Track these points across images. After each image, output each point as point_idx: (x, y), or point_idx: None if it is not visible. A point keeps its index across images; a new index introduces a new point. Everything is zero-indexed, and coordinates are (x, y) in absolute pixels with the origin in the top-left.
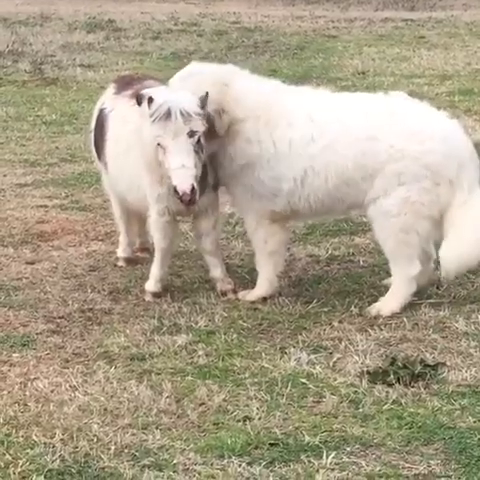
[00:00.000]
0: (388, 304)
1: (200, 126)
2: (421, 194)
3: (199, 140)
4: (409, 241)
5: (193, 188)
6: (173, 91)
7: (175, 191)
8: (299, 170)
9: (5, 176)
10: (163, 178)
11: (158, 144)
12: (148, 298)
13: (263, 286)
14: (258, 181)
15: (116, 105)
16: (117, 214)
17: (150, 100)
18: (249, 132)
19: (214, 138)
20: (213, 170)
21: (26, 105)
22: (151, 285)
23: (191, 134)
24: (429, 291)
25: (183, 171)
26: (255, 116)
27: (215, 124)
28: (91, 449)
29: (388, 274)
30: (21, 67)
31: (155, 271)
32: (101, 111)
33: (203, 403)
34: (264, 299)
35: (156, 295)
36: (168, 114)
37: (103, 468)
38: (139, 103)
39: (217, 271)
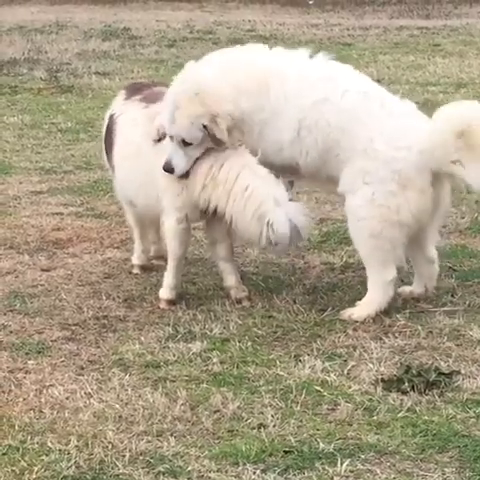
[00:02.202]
0: (362, 309)
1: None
2: (387, 197)
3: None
4: (381, 246)
5: None
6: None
7: None
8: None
9: (21, 183)
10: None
11: None
12: (163, 306)
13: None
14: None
15: (126, 110)
16: (131, 221)
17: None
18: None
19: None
20: None
21: (42, 113)
22: (165, 293)
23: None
24: (443, 299)
25: None
26: (244, 95)
27: (217, 135)
28: (106, 456)
29: (403, 282)
30: (37, 75)
31: (169, 278)
32: (111, 117)
33: (218, 410)
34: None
35: (170, 302)
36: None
37: (118, 475)
38: None
39: (231, 278)
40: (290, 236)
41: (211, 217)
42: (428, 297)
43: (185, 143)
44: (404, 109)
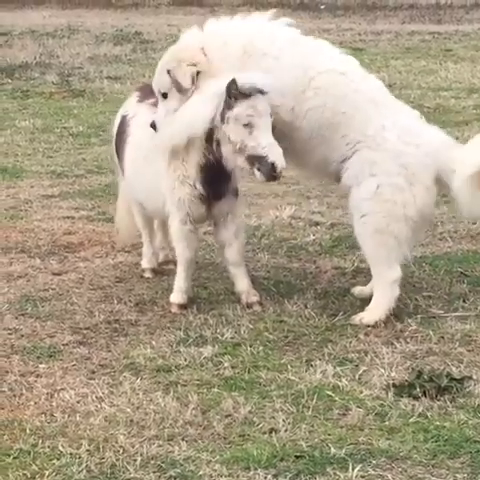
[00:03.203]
0: (372, 312)
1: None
2: (394, 192)
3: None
4: (386, 243)
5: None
6: (253, 73)
7: (272, 167)
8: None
9: (32, 187)
10: (185, 179)
11: (244, 124)
12: (174, 310)
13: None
14: None
15: (139, 112)
16: (140, 224)
17: (233, 82)
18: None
19: None
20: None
21: (53, 117)
22: (177, 297)
23: (271, 114)
24: (455, 304)
25: (277, 147)
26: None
27: (178, 79)
28: (117, 460)
29: (415, 287)
30: (48, 79)
31: (180, 283)
32: (123, 117)
33: (229, 415)
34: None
35: (182, 307)
36: (256, 94)
37: (129, 479)
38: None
39: (242, 283)
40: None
41: (217, 219)
42: (440, 302)
43: (163, 95)
44: (409, 110)
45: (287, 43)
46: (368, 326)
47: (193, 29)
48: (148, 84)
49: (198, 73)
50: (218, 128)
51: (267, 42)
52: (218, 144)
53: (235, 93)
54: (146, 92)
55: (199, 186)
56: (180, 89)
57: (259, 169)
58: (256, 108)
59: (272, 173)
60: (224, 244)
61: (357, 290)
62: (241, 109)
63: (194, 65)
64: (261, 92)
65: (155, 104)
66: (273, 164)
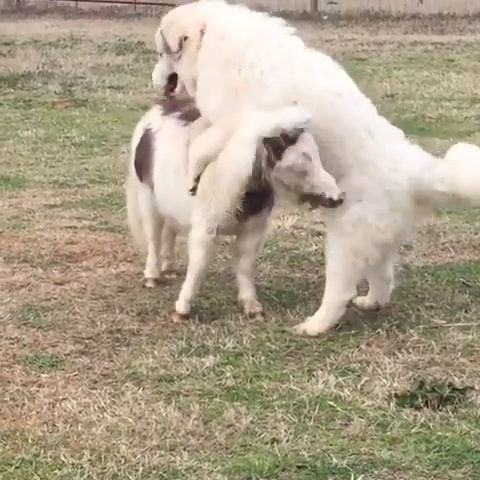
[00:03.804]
0: (315, 325)
1: None
2: (377, 217)
3: None
4: (356, 265)
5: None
6: (289, 111)
7: (330, 201)
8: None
9: (34, 197)
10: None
11: (298, 172)
12: (176, 319)
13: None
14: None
15: (164, 125)
16: (149, 234)
17: (277, 131)
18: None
19: None
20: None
21: (56, 126)
22: (181, 306)
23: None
24: (457, 314)
25: (330, 181)
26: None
27: (167, 40)
28: (119, 470)
29: (417, 297)
30: (51, 89)
31: (187, 291)
32: (147, 131)
33: (231, 425)
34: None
35: (184, 317)
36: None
37: None
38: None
39: (248, 292)
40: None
41: (246, 230)
42: (442, 313)
43: (160, 54)
44: (395, 132)
45: (283, 59)
46: (310, 336)
47: (208, 4)
48: (167, 99)
49: (186, 38)
50: (265, 171)
51: (262, 54)
52: (265, 180)
53: (281, 143)
54: (168, 105)
55: (239, 205)
56: (168, 51)
57: (314, 202)
58: (306, 154)
59: (330, 206)
60: (242, 253)
61: (359, 300)
62: (291, 159)
63: (185, 32)
64: (305, 131)
65: (181, 117)
66: (330, 199)
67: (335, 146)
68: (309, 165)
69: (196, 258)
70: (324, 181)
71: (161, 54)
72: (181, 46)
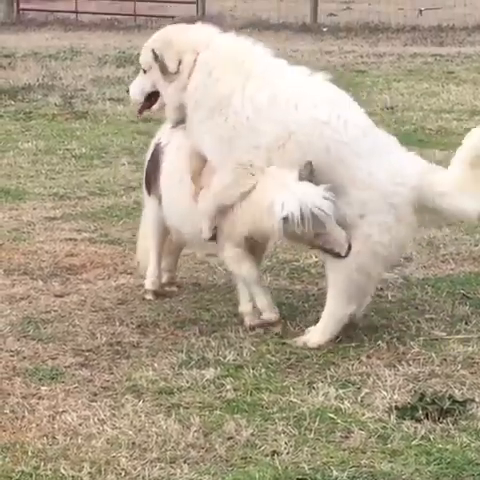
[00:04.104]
0: (315, 337)
1: None
2: (382, 232)
3: None
4: (360, 281)
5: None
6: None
7: (338, 255)
8: None
9: (35, 209)
10: None
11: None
12: (277, 329)
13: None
14: None
15: (172, 138)
16: (154, 247)
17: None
18: None
19: None
20: None
21: (56, 138)
22: (268, 315)
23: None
24: (457, 326)
25: (340, 238)
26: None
27: (165, 61)
28: None
29: (417, 309)
30: (51, 101)
31: (263, 300)
32: (157, 145)
33: (231, 437)
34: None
35: (278, 323)
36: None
37: None
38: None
39: (248, 305)
40: (301, 214)
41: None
42: (442, 325)
43: (144, 71)
44: (391, 142)
45: (266, 101)
46: (311, 349)
47: (203, 30)
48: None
49: (179, 64)
50: None
51: (246, 101)
52: None
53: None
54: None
55: None
56: (164, 72)
57: (322, 251)
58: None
59: (336, 257)
60: None
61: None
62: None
63: (181, 57)
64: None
65: None
66: (338, 254)
67: (327, 171)
68: (328, 227)
69: (245, 272)
70: (336, 239)
71: (144, 70)
72: (178, 70)
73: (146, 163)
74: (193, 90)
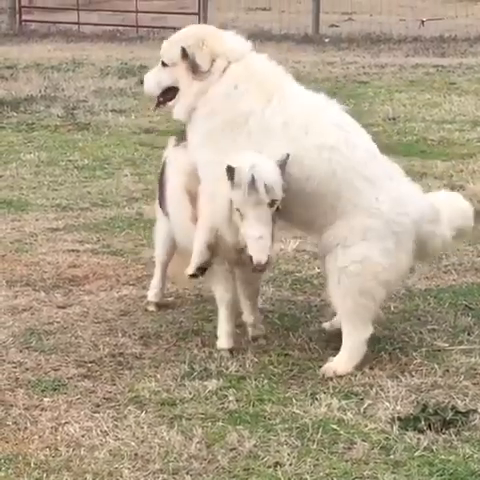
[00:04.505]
0: (343, 365)
1: (280, 195)
2: (384, 256)
3: (278, 208)
4: (366, 304)
5: (268, 259)
6: (256, 159)
7: (250, 260)
8: None
9: (37, 220)
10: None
11: (237, 209)
12: (226, 354)
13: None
14: None
15: (174, 157)
16: (160, 258)
17: (230, 169)
18: None
19: None
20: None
21: (58, 150)
22: (223, 342)
23: (271, 204)
24: (460, 337)
25: (260, 242)
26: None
27: (197, 59)
28: None
29: (419, 320)
30: (53, 112)
31: (223, 325)
32: (164, 164)
33: (234, 448)
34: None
35: (231, 351)
36: (252, 184)
37: None
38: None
39: (251, 317)
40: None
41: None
42: (444, 335)
43: (163, 64)
44: (395, 171)
45: (279, 125)
46: (340, 376)
47: (235, 38)
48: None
49: (212, 64)
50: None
51: (262, 125)
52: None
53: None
54: (182, 136)
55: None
56: (195, 70)
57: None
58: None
59: (251, 265)
60: (247, 279)
61: (327, 325)
62: (236, 195)
63: (214, 59)
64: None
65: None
66: (250, 257)
67: (330, 196)
68: (245, 209)
69: (219, 293)
70: (253, 235)
71: (165, 64)
72: (209, 70)
73: (158, 182)
74: (214, 96)
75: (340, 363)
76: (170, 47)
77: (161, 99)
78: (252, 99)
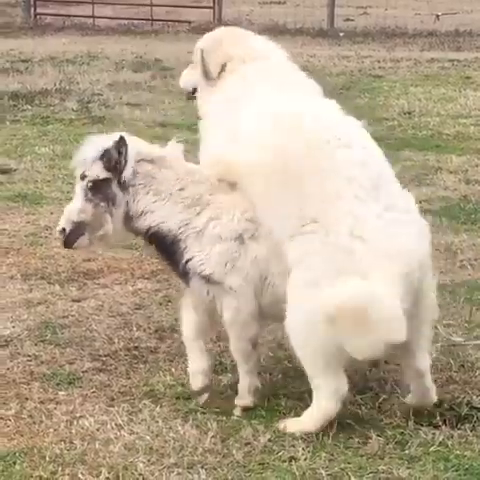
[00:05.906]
0: (312, 420)
1: (94, 172)
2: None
3: (92, 187)
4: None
5: (63, 230)
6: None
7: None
8: None
9: (52, 214)
10: None
11: None
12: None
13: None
14: None
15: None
16: None
17: None
18: None
19: None
20: None
21: (73, 143)
22: (193, 381)
23: (82, 177)
24: (475, 332)
25: (66, 212)
26: None
27: (206, 64)
28: None
29: None
30: (68, 105)
31: (193, 365)
32: None
33: (248, 443)
34: None
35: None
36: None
37: None
38: None
39: None
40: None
41: None
42: (460, 330)
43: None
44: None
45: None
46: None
47: (266, 44)
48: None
49: (222, 70)
50: None
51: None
52: None
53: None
54: None
55: None
56: (206, 75)
57: None
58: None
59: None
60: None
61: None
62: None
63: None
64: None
65: None
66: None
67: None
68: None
69: (181, 325)
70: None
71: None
72: (220, 74)
73: None
74: (215, 105)
75: (311, 420)
76: (196, 48)
77: (191, 95)
78: (249, 115)
